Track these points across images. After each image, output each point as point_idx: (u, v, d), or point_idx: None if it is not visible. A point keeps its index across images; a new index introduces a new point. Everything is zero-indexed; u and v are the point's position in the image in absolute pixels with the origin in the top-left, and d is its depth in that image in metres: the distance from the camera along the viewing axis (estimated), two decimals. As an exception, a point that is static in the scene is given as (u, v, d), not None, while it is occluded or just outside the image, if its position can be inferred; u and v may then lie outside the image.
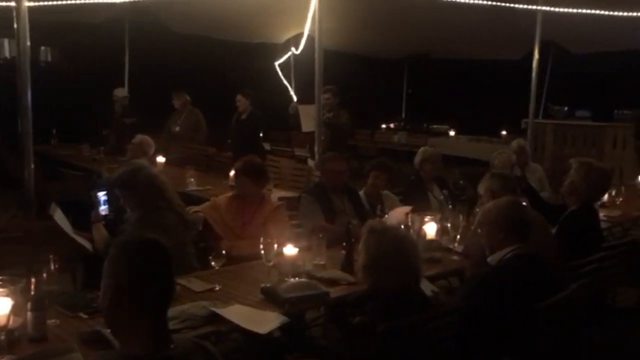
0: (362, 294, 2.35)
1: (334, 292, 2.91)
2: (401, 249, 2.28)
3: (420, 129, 13.04)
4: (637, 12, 7.89)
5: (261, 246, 3.14)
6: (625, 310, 3.70)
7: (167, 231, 3.21)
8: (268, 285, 2.88)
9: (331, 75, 6.65)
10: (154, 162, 6.32)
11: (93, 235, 3.48)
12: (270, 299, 2.79)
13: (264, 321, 2.56)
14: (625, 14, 7.91)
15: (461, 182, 6.03)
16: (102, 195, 3.55)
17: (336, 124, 6.64)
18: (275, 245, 3.15)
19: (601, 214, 4.91)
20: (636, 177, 6.59)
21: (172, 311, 2.46)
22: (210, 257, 3.08)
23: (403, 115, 14.35)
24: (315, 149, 5.91)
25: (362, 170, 4.96)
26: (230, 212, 3.92)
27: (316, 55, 5.70)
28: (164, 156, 6.66)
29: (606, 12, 7.87)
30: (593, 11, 7.88)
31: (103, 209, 3.55)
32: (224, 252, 3.10)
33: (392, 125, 13.65)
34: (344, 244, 3.24)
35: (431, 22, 9.40)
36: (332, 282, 3.04)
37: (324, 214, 4.17)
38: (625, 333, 3.64)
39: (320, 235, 3.42)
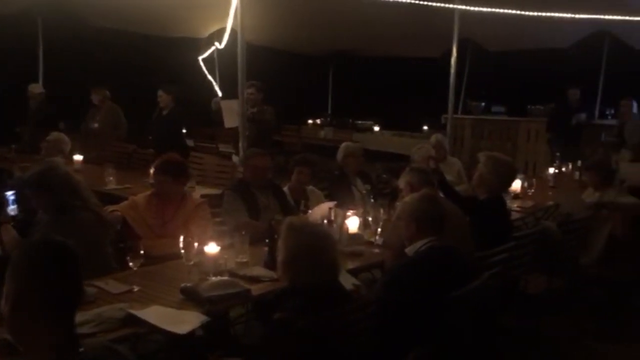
0: (282, 291, 2.36)
1: (256, 290, 2.91)
2: (319, 244, 2.30)
3: (346, 124, 13.20)
4: (548, 12, 8.30)
5: (181, 245, 3.08)
6: (536, 297, 3.90)
7: (82, 232, 3.10)
8: (188, 284, 2.84)
9: (257, 71, 6.60)
10: (70, 160, 6.09)
11: (1, 236, 3.30)
12: (191, 298, 2.75)
13: (184, 321, 2.52)
14: (536, 13, 8.31)
15: (384, 176, 6.18)
16: (10, 195, 3.38)
17: (260, 120, 6.62)
18: (196, 244, 3.10)
19: (514, 205, 5.17)
20: (548, 169, 6.95)
21: (86, 315, 2.39)
22: (128, 258, 2.99)
23: (329, 111, 14.47)
24: (240, 145, 5.86)
25: (288, 166, 4.97)
26: (149, 210, 3.83)
27: (239, 50, 5.64)
28: (81, 154, 6.42)
29: (519, 12, 8.23)
30: (506, 10, 8.22)
31: (12, 209, 3.38)
32: (142, 252, 3.01)
33: (318, 121, 13.74)
34: (267, 240, 3.23)
35: (354, 20, 9.54)
36: (255, 280, 3.03)
37: (248, 211, 4.14)
38: (536, 318, 3.84)
39: (243, 233, 3.40)
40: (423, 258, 2.71)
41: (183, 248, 3.12)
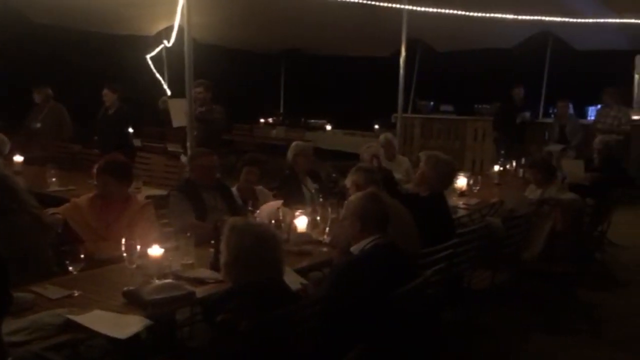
0: (225, 292, 2.33)
1: (201, 292, 2.87)
2: (261, 244, 2.29)
3: (298, 123, 13.22)
4: (492, 12, 8.51)
5: (123, 248, 3.01)
6: (481, 291, 3.99)
7: (19, 236, 3.00)
8: (131, 288, 2.77)
9: (207, 70, 6.52)
10: (10, 161, 5.88)
11: None
12: (133, 302, 2.68)
13: (125, 325, 2.46)
14: (481, 14, 8.50)
15: (334, 175, 6.19)
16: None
17: (209, 119, 6.54)
18: (139, 246, 3.04)
19: (460, 202, 5.29)
20: (493, 167, 7.12)
21: (20, 322, 2.31)
22: (67, 262, 2.90)
23: (281, 110, 14.45)
24: (188, 144, 5.77)
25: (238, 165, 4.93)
26: (92, 212, 3.73)
27: (185, 48, 5.55)
28: (22, 155, 6.20)
29: (464, 12, 8.40)
30: (452, 11, 8.38)
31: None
32: (82, 255, 2.93)
33: (270, 120, 13.71)
34: (213, 241, 3.19)
35: (304, 19, 9.55)
36: (200, 282, 2.99)
37: (195, 212, 4.08)
38: (480, 313, 3.93)
39: (189, 234, 3.35)
40: (368, 256, 2.73)
41: (125, 251, 3.05)
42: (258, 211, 4.06)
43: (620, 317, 4.69)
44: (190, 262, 3.26)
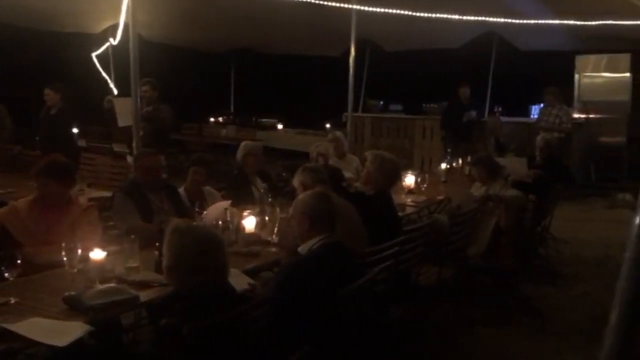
0: (168, 295, 2.29)
1: (145, 295, 2.81)
2: (204, 247, 2.26)
3: (249, 122, 13.13)
4: (438, 13, 8.67)
5: (63, 252, 2.92)
6: (427, 287, 4.06)
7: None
8: (72, 293, 2.69)
9: (154, 68, 6.40)
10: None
11: None
12: (74, 308, 2.61)
13: (65, 332, 2.38)
14: (427, 14, 8.65)
15: (284, 174, 6.18)
16: None
17: (156, 118, 6.42)
18: (80, 250, 2.96)
19: (408, 200, 5.37)
20: (440, 165, 7.24)
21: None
22: (3, 268, 2.79)
23: (232, 109, 14.32)
24: (134, 144, 5.66)
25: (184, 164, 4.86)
26: (31, 216, 3.60)
27: (131, 46, 5.44)
28: (-42, 156, 5.95)
29: (411, 13, 8.53)
30: (399, 11, 8.49)
31: None
32: (19, 261, 2.82)
33: (220, 119, 13.56)
34: (157, 244, 3.13)
35: (253, 17, 9.50)
36: (144, 285, 2.93)
37: (140, 213, 3.99)
38: (427, 309, 4.00)
39: (133, 236, 3.28)
40: (315, 256, 2.73)
41: (65, 255, 2.96)
42: (205, 212, 4.01)
43: (561, 310, 4.85)
44: (134, 265, 3.18)
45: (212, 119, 13.53)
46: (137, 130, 5.62)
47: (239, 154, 5.29)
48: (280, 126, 12.97)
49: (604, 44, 9.79)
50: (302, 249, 2.86)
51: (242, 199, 4.52)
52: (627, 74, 9.77)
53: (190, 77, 12.27)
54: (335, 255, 2.78)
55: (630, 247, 1.25)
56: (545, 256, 5.95)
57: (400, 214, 4.59)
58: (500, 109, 10.49)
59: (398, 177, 4.44)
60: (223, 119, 13.52)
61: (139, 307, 2.80)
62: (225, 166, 7.10)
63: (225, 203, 4.09)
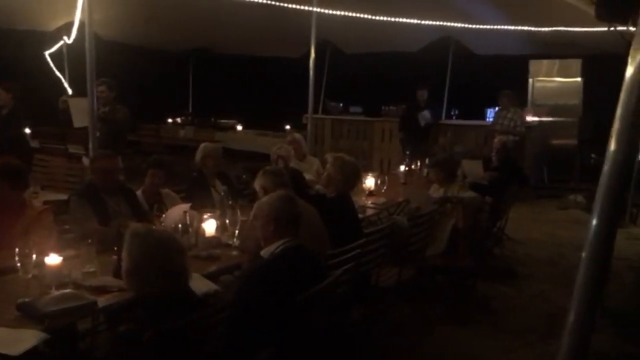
0: (128, 301, 2.25)
1: (103, 301, 2.75)
2: (164, 251, 2.23)
3: (208, 123, 13.00)
4: (397, 17, 8.78)
5: (17, 258, 2.84)
6: (388, 289, 4.10)
7: None
8: (26, 300, 2.62)
9: (111, 68, 6.27)
10: None
11: None
12: (28, 315, 2.53)
13: (18, 341, 2.31)
14: (386, 18, 8.75)
15: (244, 176, 6.15)
16: None
17: (112, 119, 6.30)
18: (35, 255, 2.88)
19: (369, 201, 5.41)
20: (399, 167, 7.32)
21: None
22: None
23: (190, 110, 14.16)
24: (90, 146, 5.53)
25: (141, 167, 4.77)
26: (-18, 221, 3.48)
27: (86, 45, 5.31)
28: None
29: (371, 17, 8.61)
30: (359, 15, 8.57)
31: None
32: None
33: (178, 120, 13.38)
34: (115, 248, 3.07)
35: (212, 17, 9.41)
36: (102, 290, 2.86)
37: (97, 217, 3.91)
38: (388, 309, 4.04)
39: (90, 241, 3.21)
40: (278, 260, 2.73)
41: (19, 260, 2.87)
42: (164, 215, 3.96)
43: (517, 308, 4.98)
44: (92, 270, 3.12)
45: (169, 120, 13.34)
46: (93, 131, 5.50)
47: (198, 155, 5.23)
48: (239, 127, 12.88)
49: (557, 49, 10.10)
50: (265, 252, 2.85)
51: (201, 202, 4.47)
52: (578, 79, 10.10)
53: (147, 77, 12.05)
54: (298, 258, 2.78)
55: (587, 247, 1.31)
56: (500, 256, 6.10)
57: (360, 215, 4.62)
58: (456, 112, 10.70)
59: (359, 180, 4.48)
60: (181, 120, 13.34)
61: (96, 313, 2.74)
62: (184, 168, 7.00)
63: (185, 206, 4.04)
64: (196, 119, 13.31)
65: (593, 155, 9.84)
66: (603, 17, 5.65)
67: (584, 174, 9.90)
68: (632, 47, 1.35)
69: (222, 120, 13.07)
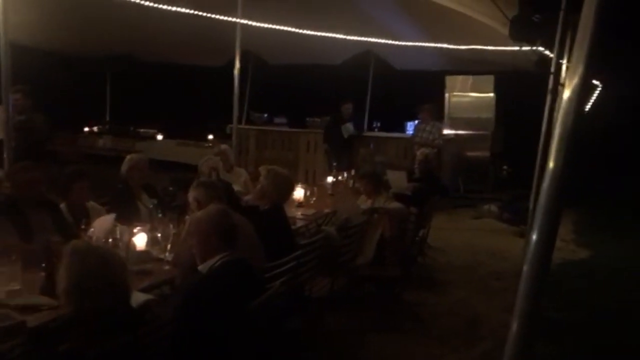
0: (66, 319, 2.17)
1: (33, 320, 2.62)
2: (106, 268, 2.17)
3: (127, 132, 12.64)
4: (321, 31, 8.94)
5: None
6: (321, 299, 4.17)
7: None
8: (-53, 322, 2.46)
9: (24, 74, 5.96)
10: None
11: None
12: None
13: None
14: (312, 32, 8.89)
15: (171, 188, 6.01)
16: None
17: (29, 128, 6.01)
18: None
19: (298, 213, 5.46)
20: (326, 178, 7.45)
21: None
22: None
23: (108, 118, 13.69)
24: (5, 156, 5.24)
25: (62, 178, 4.55)
26: None
27: (1, 51, 5.05)
28: None
29: (297, 30, 8.72)
30: (285, 28, 8.66)
31: None
32: None
33: (95, 129, 12.91)
34: (44, 264, 2.94)
35: (132, 24, 9.17)
36: (31, 309, 2.73)
37: (18, 232, 3.70)
38: (321, 319, 4.10)
39: (14, 257, 3.05)
40: (217, 274, 2.72)
41: None
42: (92, 229, 3.82)
43: (441, 314, 5.19)
44: (16, 288, 2.97)
45: (86, 129, 12.85)
46: (8, 142, 5.22)
47: (124, 167, 5.08)
48: (160, 137, 12.61)
49: (471, 66, 10.63)
50: (203, 267, 2.82)
51: (127, 215, 4.34)
52: (491, 94, 10.67)
53: (63, 84, 11.56)
54: (238, 272, 2.78)
55: (528, 261, 1.41)
56: (423, 264, 6.33)
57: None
58: (378, 125, 11.00)
59: (292, 191, 4.52)
60: (98, 129, 12.89)
61: (26, 333, 2.61)
62: (104, 179, 6.75)
63: (110, 217, 3.91)
64: (114, 127, 12.89)
65: (505, 167, 10.42)
66: (515, 37, 6.04)
67: (496, 185, 10.45)
68: (568, 72, 1.48)
69: (142, 130, 12.75)
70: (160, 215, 4.35)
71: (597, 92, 9.40)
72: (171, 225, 3.90)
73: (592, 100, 9.19)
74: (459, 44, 9.46)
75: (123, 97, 13.77)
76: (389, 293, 5.13)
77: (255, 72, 12.14)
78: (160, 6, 7.79)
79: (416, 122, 10.00)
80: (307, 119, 11.33)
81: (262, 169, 4.34)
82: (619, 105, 10.87)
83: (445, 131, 10.26)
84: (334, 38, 9.25)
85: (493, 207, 9.34)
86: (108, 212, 4.50)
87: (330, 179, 6.95)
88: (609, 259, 7.38)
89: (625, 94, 10.80)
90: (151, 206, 4.66)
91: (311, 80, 12.01)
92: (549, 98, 5.50)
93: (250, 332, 2.64)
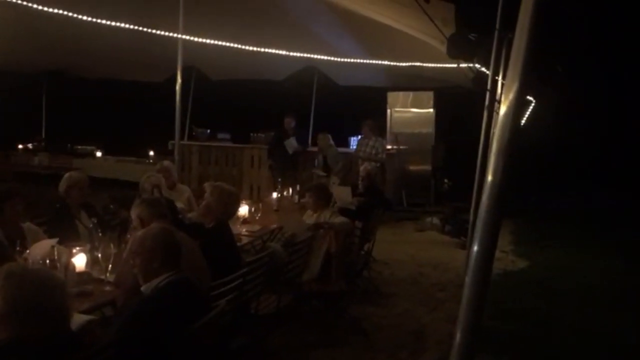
0: (2, 346, 2.06)
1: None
2: (44, 290, 2.08)
3: (64, 149, 12.24)
4: (264, 47, 8.97)
5: None
6: (267, 316, 4.13)
7: None
8: None
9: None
10: None
11: None
12: None
13: None
14: (254, 48, 8.91)
15: (111, 206, 5.86)
16: None
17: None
18: None
19: (243, 229, 5.42)
20: (271, 194, 7.43)
21: None
22: None
23: (43, 135, 13.22)
24: None
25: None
26: None
27: None
28: None
29: (240, 46, 8.73)
30: (228, 44, 8.65)
31: None
32: None
33: (30, 146, 12.43)
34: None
35: (69, 39, 8.94)
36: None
37: (-53, 256, 3.53)
38: (267, 336, 4.07)
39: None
40: (162, 294, 2.66)
41: None
42: (28, 251, 3.67)
43: (387, 327, 5.24)
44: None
45: (20, 146, 12.35)
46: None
47: (62, 186, 4.91)
48: (99, 154, 12.27)
49: (412, 82, 10.90)
50: (146, 287, 2.76)
51: (66, 235, 4.19)
52: (431, 110, 10.96)
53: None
54: (183, 292, 2.73)
55: (469, 273, 1.45)
56: (368, 277, 6.38)
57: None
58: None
59: (237, 207, 4.49)
60: (33, 146, 12.41)
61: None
62: (41, 198, 6.51)
63: (51, 240, 3.77)
64: (50, 145, 12.45)
65: (446, 181, 10.69)
66: (453, 55, 6.25)
67: (438, 198, 10.70)
68: (504, 89, 1.54)
69: (80, 146, 12.37)
70: (100, 234, 4.22)
71: (531, 107, 9.79)
72: (112, 245, 3.79)
73: (526, 115, 9.57)
74: (400, 61, 9.69)
75: (60, 113, 13.35)
76: (335, 308, 5.14)
77: (197, 88, 12.03)
78: (100, 21, 7.63)
79: (359, 137, 10.14)
80: (251, 134, 11.30)
81: (207, 186, 4.29)
82: (552, 120, 11.37)
83: (388, 146, 10.44)
84: (277, 54, 9.30)
85: (435, 220, 9.54)
86: (45, 232, 4.34)
87: (275, 195, 6.94)
88: (546, 268, 7.67)
89: (557, 110, 11.32)
90: (91, 225, 4.52)
91: (254, 96, 12.02)
92: (485, 114, 5.69)
93: (196, 352, 2.59)
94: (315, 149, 10.90)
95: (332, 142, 9.64)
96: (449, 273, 7.14)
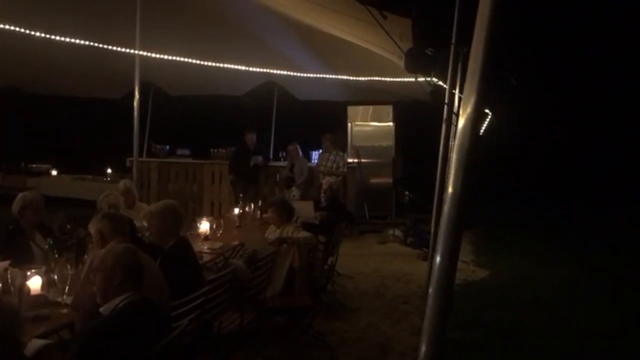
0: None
1: None
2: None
3: (18, 168, 11.88)
4: (224, 63, 8.94)
5: None
6: (230, 333, 4.06)
7: None
8: None
9: None
10: None
11: None
12: None
13: None
14: (214, 64, 8.87)
15: (68, 226, 5.69)
16: None
17: None
18: None
19: (204, 247, 5.34)
20: (232, 210, 7.36)
21: None
22: None
23: (-5, 154, 12.81)
24: None
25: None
26: None
27: None
28: None
29: (199, 62, 8.68)
30: (187, 59, 8.58)
31: None
32: None
33: (-20, 165, 12.04)
34: None
35: (17, 54, 8.70)
36: None
37: None
38: (229, 356, 3.99)
39: None
40: (121, 315, 2.58)
41: None
42: (-22, 275, 3.53)
43: (351, 341, 5.23)
44: None
45: (-30, 165, 11.95)
46: None
47: (15, 207, 4.76)
48: (54, 172, 11.96)
49: (371, 96, 11.02)
50: (105, 308, 2.67)
51: (20, 258, 4.05)
52: (390, 123, 11.08)
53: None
54: (143, 312, 2.66)
55: (433, 282, 1.46)
56: (332, 291, 6.36)
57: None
58: (284, 155, 11.08)
59: (183, 218, 4.34)
60: (-17, 165, 12.02)
61: None
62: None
63: (4, 263, 3.64)
64: (3, 163, 12.08)
65: (406, 193, 10.80)
66: (410, 69, 6.35)
67: (399, 210, 10.80)
68: (462, 102, 1.56)
69: (34, 165, 12.03)
70: (56, 255, 4.09)
71: (487, 119, 10.01)
72: (69, 266, 3.68)
73: (483, 127, 9.78)
74: (359, 76, 9.79)
75: (13, 131, 12.96)
76: (299, 323, 5.10)
77: (156, 104, 11.88)
78: (54, 37, 7.46)
79: (320, 151, 10.17)
80: (211, 150, 11.20)
81: (146, 215, 4.17)
82: (508, 131, 11.66)
83: (349, 159, 10.50)
84: (236, 69, 9.28)
85: (397, 232, 9.62)
86: (-1, 255, 4.19)
87: (236, 211, 6.87)
88: (507, 277, 7.79)
89: (513, 122, 11.60)
90: (46, 247, 4.38)
91: (214, 111, 11.95)
92: (444, 126, 5.78)
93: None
94: (279, 163, 10.91)
95: (301, 153, 9.72)
96: (411, 284, 7.18)
